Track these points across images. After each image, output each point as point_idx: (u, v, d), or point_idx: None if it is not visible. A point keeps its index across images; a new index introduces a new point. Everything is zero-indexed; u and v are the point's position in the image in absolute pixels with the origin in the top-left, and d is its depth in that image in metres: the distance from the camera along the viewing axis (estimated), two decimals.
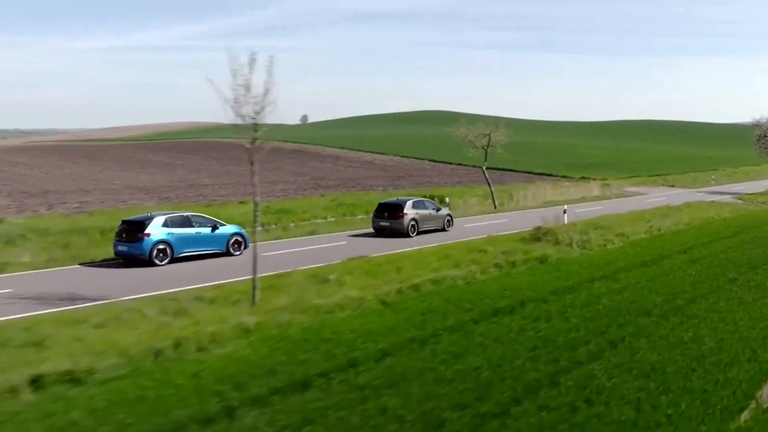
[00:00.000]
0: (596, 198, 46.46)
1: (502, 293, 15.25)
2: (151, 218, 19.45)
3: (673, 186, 60.88)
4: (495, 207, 36.90)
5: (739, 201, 44.08)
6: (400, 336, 11.71)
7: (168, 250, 19.17)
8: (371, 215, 30.85)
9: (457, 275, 16.97)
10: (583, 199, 44.83)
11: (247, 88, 13.06)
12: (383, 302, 14.25)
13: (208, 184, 46.95)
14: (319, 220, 29.20)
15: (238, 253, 20.89)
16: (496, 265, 18.53)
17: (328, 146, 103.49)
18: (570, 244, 22.19)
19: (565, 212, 29.54)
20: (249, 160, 13.44)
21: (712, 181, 64.83)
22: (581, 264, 19.31)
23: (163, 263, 18.96)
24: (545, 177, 65.74)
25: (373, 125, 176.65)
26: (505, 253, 20.47)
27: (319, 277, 15.97)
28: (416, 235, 25.90)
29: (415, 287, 15.51)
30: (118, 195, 38.07)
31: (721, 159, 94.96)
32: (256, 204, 13.77)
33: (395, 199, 28.45)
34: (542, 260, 19.86)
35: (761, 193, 48.57)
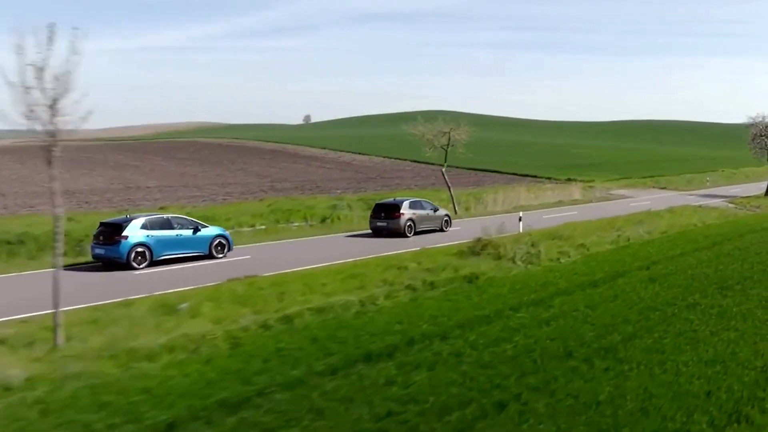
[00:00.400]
0: (575, 202, 43.74)
1: (392, 327, 12.51)
2: (129, 220, 19.27)
3: (664, 188, 58.27)
4: (456, 212, 34.17)
5: (730, 205, 41.45)
6: (212, 396, 8.96)
7: (147, 253, 19.00)
8: (309, 222, 28.52)
9: (352, 301, 14.24)
10: (559, 203, 42.15)
11: (41, 69, 10.33)
12: (234, 341, 11.51)
13: (150, 186, 44.26)
14: (245, 229, 26.43)
15: (221, 255, 20.81)
16: (409, 287, 15.80)
17: (309, 146, 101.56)
18: (513, 259, 19.48)
19: (520, 220, 26.89)
20: (46, 161, 10.67)
21: (707, 183, 62.28)
22: (514, 285, 16.56)
23: (141, 266, 18.79)
24: (530, 178, 63.23)
25: (375, 125, 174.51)
26: (429, 270, 17.76)
27: (170, 306, 13.22)
28: (413, 235, 26.23)
29: (288, 319, 12.77)
30: (35, 199, 35.30)
31: (722, 159, 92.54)
32: (56, 218, 10.93)
33: (392, 199, 28.70)
34: (471, 279, 17.13)
35: (756, 197, 45.95)
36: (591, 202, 43.83)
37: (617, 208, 37.23)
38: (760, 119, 48.09)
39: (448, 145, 35.21)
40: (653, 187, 59.18)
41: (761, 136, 47.44)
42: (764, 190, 48.39)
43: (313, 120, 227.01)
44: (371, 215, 27.33)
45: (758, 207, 40.62)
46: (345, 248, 22.85)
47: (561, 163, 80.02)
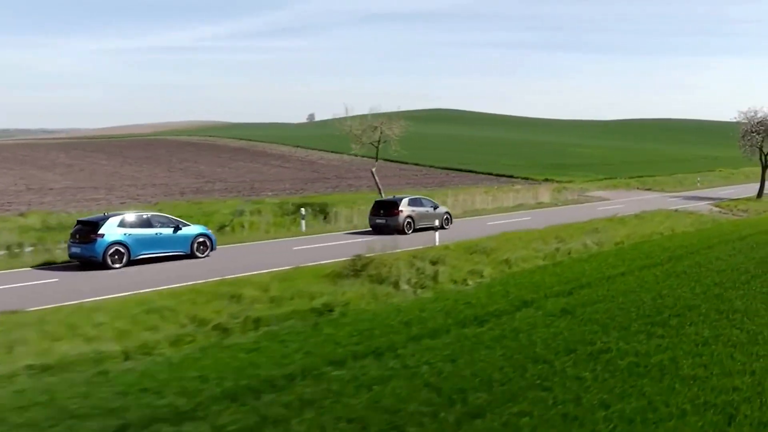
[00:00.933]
0: (539, 205, 40.05)
1: (116, 402, 8.73)
2: (105, 218, 19.23)
3: (649, 189, 54.66)
4: None
5: (714, 208, 37.79)
6: None
7: (124, 252, 18.96)
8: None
9: (111, 352, 10.50)
10: (519, 207, 38.46)
11: None
12: None
13: (54, 188, 40.60)
14: None
15: (203, 255, 20.73)
16: (219, 328, 12.08)
17: (282, 144, 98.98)
18: (396, 283, 15.77)
19: (436, 230, 23.28)
20: None
21: (698, 184, 58.71)
22: (366, 322, 12.82)
23: (118, 266, 18.70)
24: (504, 178, 59.85)
25: None
26: (273, 300, 14.04)
27: None
28: (412, 232, 26.71)
29: None
30: None
31: (725, 159, 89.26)
32: None
33: (392, 196, 29.24)
34: (322, 312, 13.45)
35: (746, 199, 42.27)
36: (556, 205, 40.13)
37: (580, 213, 33.53)
38: (752, 114, 44.36)
39: (378, 141, 32.36)
40: (638, 188, 55.54)
41: (752, 132, 43.67)
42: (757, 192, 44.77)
43: (318, 119, 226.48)
44: (371, 212, 27.73)
45: (745, 211, 36.96)
46: (238, 261, 19.25)
47: (550, 163, 76.73)
